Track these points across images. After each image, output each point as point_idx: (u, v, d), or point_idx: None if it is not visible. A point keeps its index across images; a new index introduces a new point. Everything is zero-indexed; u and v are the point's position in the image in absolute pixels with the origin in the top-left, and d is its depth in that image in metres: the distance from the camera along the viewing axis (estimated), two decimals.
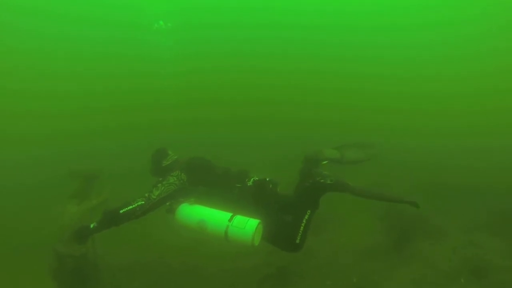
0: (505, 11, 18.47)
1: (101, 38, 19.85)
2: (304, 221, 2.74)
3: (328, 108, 15.43)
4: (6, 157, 10.23)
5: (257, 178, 2.94)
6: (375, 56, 20.54)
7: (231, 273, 4.88)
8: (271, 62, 20.14)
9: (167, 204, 2.91)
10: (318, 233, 5.87)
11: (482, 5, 19.89)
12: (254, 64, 20.10)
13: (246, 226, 2.60)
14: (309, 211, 2.77)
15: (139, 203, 2.69)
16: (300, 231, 2.72)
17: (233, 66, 19.89)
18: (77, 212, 4.37)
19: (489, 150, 9.93)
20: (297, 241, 2.71)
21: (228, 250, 5.40)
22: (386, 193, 2.91)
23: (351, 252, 5.26)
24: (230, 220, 2.64)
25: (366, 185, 2.88)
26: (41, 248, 4.65)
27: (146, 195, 2.76)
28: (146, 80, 17.97)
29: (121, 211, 2.63)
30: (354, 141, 3.29)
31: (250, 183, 2.90)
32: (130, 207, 2.65)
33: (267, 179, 2.92)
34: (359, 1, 23.05)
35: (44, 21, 19.48)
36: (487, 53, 18.82)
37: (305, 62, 20.00)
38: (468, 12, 20.71)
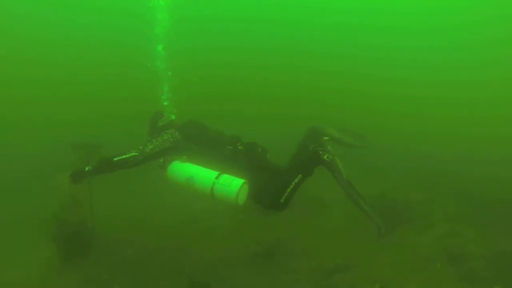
0: None
1: (112, 26, 19.98)
2: (293, 183, 2.80)
3: (343, 109, 15.24)
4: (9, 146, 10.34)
5: (247, 142, 3.12)
6: (388, 58, 20.62)
7: (221, 250, 5.08)
8: (276, 59, 20.21)
9: (161, 160, 3.13)
10: (306, 217, 6.08)
11: (495, 10, 19.79)
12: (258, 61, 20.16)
13: (232, 184, 2.77)
14: (300, 175, 2.83)
15: (133, 154, 2.89)
16: (287, 192, 2.80)
17: (237, 62, 19.93)
18: None
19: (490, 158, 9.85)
20: (281, 200, 2.80)
21: (220, 228, 5.66)
22: (362, 202, 2.80)
23: (337, 236, 5.45)
24: (216, 178, 2.82)
25: (358, 185, 2.87)
26: (43, 216, 4.91)
27: (141, 147, 2.96)
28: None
29: (115, 159, 2.84)
30: (352, 129, 3.60)
31: (240, 147, 3.08)
32: (124, 156, 2.86)
33: (257, 143, 3.09)
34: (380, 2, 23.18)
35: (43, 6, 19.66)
36: (501, 59, 18.70)
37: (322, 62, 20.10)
38: (479, 18, 20.69)
